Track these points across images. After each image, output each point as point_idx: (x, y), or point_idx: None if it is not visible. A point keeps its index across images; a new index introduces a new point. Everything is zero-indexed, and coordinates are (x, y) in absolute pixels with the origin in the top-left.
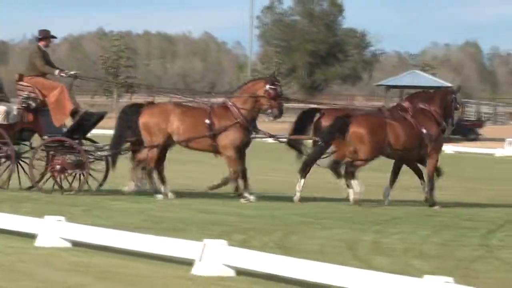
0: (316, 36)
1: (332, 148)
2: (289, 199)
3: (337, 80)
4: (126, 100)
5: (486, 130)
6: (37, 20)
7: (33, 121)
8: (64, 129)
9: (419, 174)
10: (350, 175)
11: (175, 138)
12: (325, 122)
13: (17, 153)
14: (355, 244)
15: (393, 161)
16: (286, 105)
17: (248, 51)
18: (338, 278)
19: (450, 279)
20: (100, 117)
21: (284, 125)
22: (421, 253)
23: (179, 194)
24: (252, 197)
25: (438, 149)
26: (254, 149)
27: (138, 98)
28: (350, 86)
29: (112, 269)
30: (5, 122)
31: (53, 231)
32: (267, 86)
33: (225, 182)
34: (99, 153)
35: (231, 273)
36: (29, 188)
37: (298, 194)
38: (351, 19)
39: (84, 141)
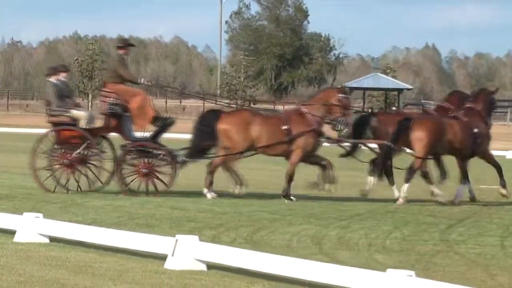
0: (282, 40)
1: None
2: (259, 196)
3: (303, 82)
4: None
5: None
6: (14, 25)
7: (116, 126)
8: (139, 134)
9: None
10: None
11: (254, 144)
12: (383, 126)
13: (85, 157)
14: (320, 239)
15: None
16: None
17: (217, 55)
18: (304, 272)
19: (412, 272)
20: (172, 122)
21: None
22: (384, 248)
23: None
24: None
25: (488, 147)
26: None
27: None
28: (316, 88)
29: (88, 264)
30: (89, 127)
31: (31, 227)
32: (340, 95)
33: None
34: (178, 157)
35: (202, 267)
36: (88, 191)
37: (401, 197)
38: (315, 24)
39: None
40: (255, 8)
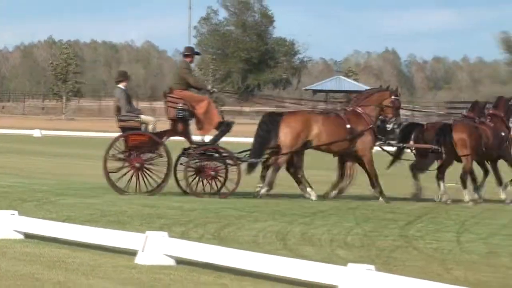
0: (249, 45)
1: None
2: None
3: (269, 84)
4: (75, 103)
5: None
6: None
7: (182, 131)
8: (198, 138)
9: (487, 173)
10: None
11: (315, 142)
12: (429, 132)
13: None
14: (285, 235)
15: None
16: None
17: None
18: (269, 266)
19: (372, 267)
20: (231, 126)
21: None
22: (345, 243)
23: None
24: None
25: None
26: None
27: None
28: (281, 90)
29: (62, 259)
30: (156, 131)
31: (7, 224)
32: (393, 97)
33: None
34: (243, 160)
35: (172, 262)
36: (149, 192)
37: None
38: (281, 29)
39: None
40: (222, 14)
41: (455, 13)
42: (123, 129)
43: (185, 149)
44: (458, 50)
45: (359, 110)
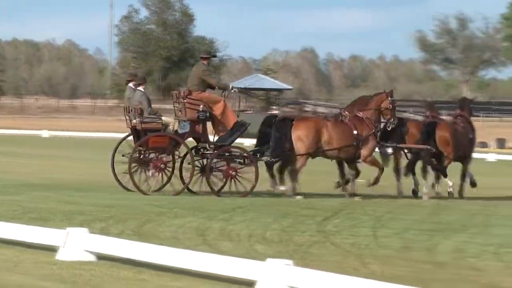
0: (169, 43)
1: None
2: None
3: None
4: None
5: None
6: None
7: (201, 132)
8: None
9: None
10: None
11: (326, 147)
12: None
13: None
14: (204, 231)
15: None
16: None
17: (107, 57)
18: (189, 262)
19: (290, 262)
20: (247, 126)
21: None
22: (264, 239)
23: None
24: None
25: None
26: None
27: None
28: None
29: None
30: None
31: None
32: (389, 99)
33: (376, 181)
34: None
35: (92, 258)
36: (177, 194)
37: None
38: (201, 28)
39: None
40: (143, 13)
41: (372, 13)
42: (145, 131)
43: (196, 149)
44: (375, 49)
45: (360, 114)
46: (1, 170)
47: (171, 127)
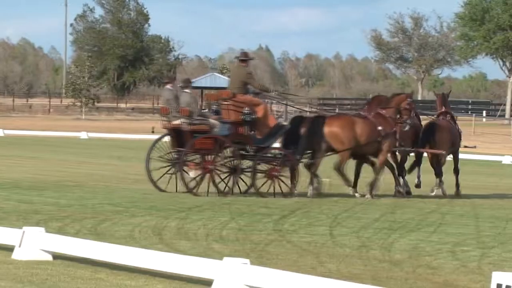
0: (124, 42)
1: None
2: (104, 189)
3: (144, 81)
4: None
5: None
6: None
7: (243, 134)
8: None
9: None
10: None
11: (356, 143)
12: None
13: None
14: (161, 230)
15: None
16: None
17: (62, 56)
18: (146, 261)
19: (247, 260)
20: (284, 128)
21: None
22: (221, 238)
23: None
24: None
25: None
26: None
27: None
28: (156, 87)
29: None
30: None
31: None
32: (408, 100)
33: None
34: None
35: (49, 257)
36: (221, 193)
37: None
38: (156, 27)
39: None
40: (99, 12)
41: (327, 12)
42: (193, 132)
43: (244, 151)
44: (330, 48)
45: (383, 112)
46: None
47: (216, 129)
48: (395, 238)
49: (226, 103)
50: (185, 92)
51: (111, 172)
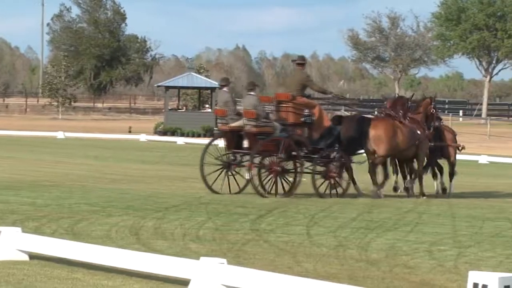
0: (101, 42)
1: None
2: (81, 189)
3: (121, 81)
4: None
5: None
6: None
7: (303, 135)
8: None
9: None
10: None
11: (398, 147)
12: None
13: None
14: (138, 230)
15: None
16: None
17: (39, 55)
18: (122, 261)
19: (224, 260)
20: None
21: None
22: (197, 237)
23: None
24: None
25: None
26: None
27: None
28: (133, 87)
29: None
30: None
31: None
32: (433, 104)
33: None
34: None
35: (25, 257)
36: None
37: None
38: (133, 27)
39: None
40: (75, 11)
41: (304, 11)
42: (258, 134)
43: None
44: (307, 47)
45: (416, 117)
46: None
47: (277, 131)
48: (372, 238)
49: (285, 105)
50: (250, 94)
51: (87, 172)
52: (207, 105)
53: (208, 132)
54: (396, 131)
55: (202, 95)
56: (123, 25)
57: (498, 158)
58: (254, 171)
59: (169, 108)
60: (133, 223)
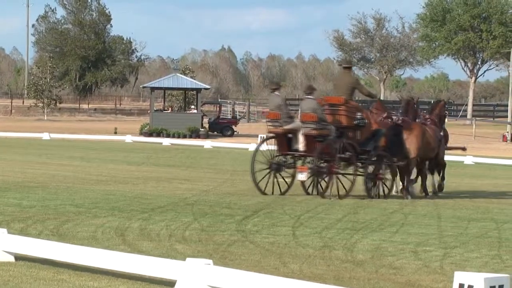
0: (86, 43)
1: None
2: (67, 190)
3: (107, 82)
4: None
5: (240, 127)
6: None
7: (354, 137)
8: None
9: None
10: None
11: (424, 151)
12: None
13: (281, 164)
14: (124, 231)
15: None
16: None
17: (24, 56)
18: (108, 262)
19: (210, 261)
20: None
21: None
22: (183, 238)
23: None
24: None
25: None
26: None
27: None
28: (118, 88)
29: None
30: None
31: None
32: (445, 106)
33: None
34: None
35: (11, 258)
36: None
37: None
38: (118, 28)
39: None
40: (60, 12)
41: (289, 12)
42: (316, 137)
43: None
44: (293, 48)
45: (433, 118)
46: None
47: (333, 134)
48: (358, 239)
49: (339, 108)
50: (309, 98)
51: (73, 173)
52: (192, 106)
53: (193, 133)
54: (425, 135)
55: (188, 96)
56: (109, 26)
57: (483, 158)
58: (307, 173)
59: (155, 109)
60: (119, 224)
